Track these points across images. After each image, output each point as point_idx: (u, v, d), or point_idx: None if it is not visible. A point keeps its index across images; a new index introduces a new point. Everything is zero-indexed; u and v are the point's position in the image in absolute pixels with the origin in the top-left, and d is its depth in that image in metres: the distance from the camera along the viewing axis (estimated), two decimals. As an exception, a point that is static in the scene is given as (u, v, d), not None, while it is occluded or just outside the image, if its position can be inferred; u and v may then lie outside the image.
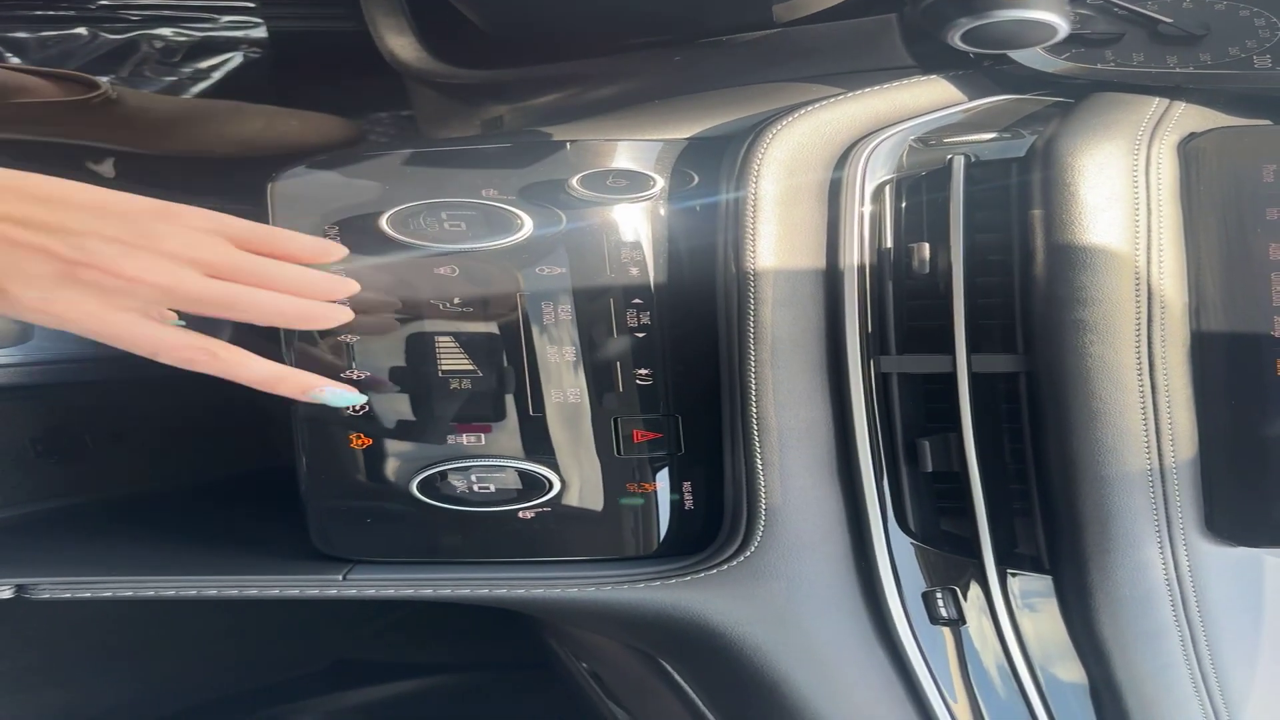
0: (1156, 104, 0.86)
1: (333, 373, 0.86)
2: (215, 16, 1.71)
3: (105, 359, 1.23)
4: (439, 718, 1.64)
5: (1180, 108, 0.85)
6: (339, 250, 0.80)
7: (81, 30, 1.70)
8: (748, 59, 1.04)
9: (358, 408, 0.87)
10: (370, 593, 0.90)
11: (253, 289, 0.73)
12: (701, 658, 0.92)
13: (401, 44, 1.21)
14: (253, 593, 0.89)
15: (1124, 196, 0.79)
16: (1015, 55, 0.91)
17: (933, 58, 0.96)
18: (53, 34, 1.68)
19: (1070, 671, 0.88)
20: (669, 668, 0.98)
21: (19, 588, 0.88)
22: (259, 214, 0.87)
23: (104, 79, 1.15)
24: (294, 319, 0.76)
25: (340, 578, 0.90)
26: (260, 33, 1.71)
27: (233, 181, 1.31)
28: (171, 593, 0.89)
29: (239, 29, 1.72)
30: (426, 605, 0.91)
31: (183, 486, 1.30)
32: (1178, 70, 0.89)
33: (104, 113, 1.15)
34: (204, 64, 1.72)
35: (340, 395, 0.81)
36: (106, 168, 1.27)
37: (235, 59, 1.72)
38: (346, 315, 0.78)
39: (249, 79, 1.70)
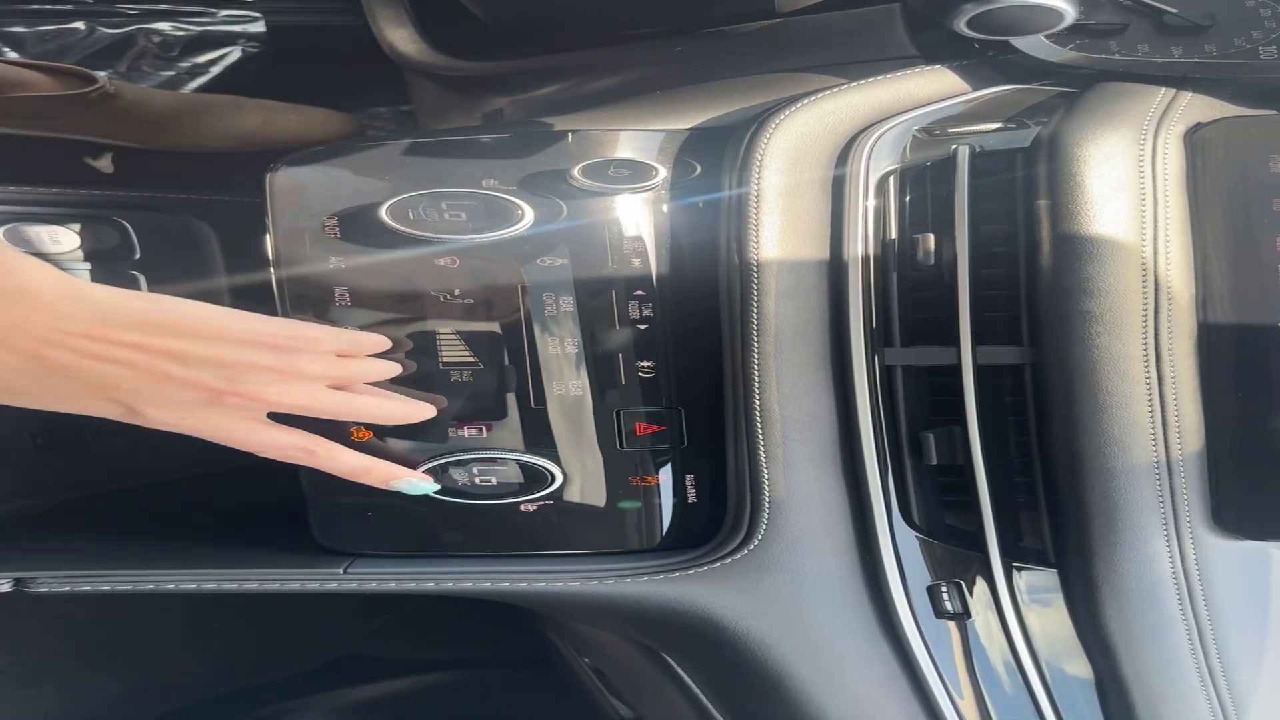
0: (1163, 94, 0.85)
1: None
2: (213, 11, 1.70)
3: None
4: (442, 714, 1.63)
5: (1186, 98, 0.85)
6: (384, 342, 0.85)
7: (79, 24, 1.69)
8: (749, 49, 1.03)
9: None
10: (371, 586, 0.89)
11: (363, 397, 0.82)
12: (705, 652, 0.92)
13: (401, 36, 1.20)
14: (253, 586, 0.88)
15: (1130, 187, 0.79)
16: (1019, 44, 0.90)
17: (936, 47, 0.95)
18: (50, 28, 1.67)
19: (1076, 665, 0.87)
20: (672, 662, 0.97)
21: (17, 581, 0.88)
22: (256, 206, 0.86)
23: (101, 73, 1.14)
24: (399, 417, 0.84)
25: (341, 571, 0.89)
26: (258, 27, 1.70)
27: (231, 176, 1.30)
28: (171, 586, 0.88)
29: (237, 23, 1.71)
30: (428, 601, 0.91)
31: (182, 480, 1.29)
32: (1183, 60, 0.88)
33: (102, 107, 1.14)
34: (202, 59, 1.70)
35: (416, 485, 0.86)
36: (105, 163, 1.26)
37: (233, 54, 1.70)
38: (431, 410, 0.86)
39: (247, 74, 1.69)
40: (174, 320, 0.70)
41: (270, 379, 0.74)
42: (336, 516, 0.92)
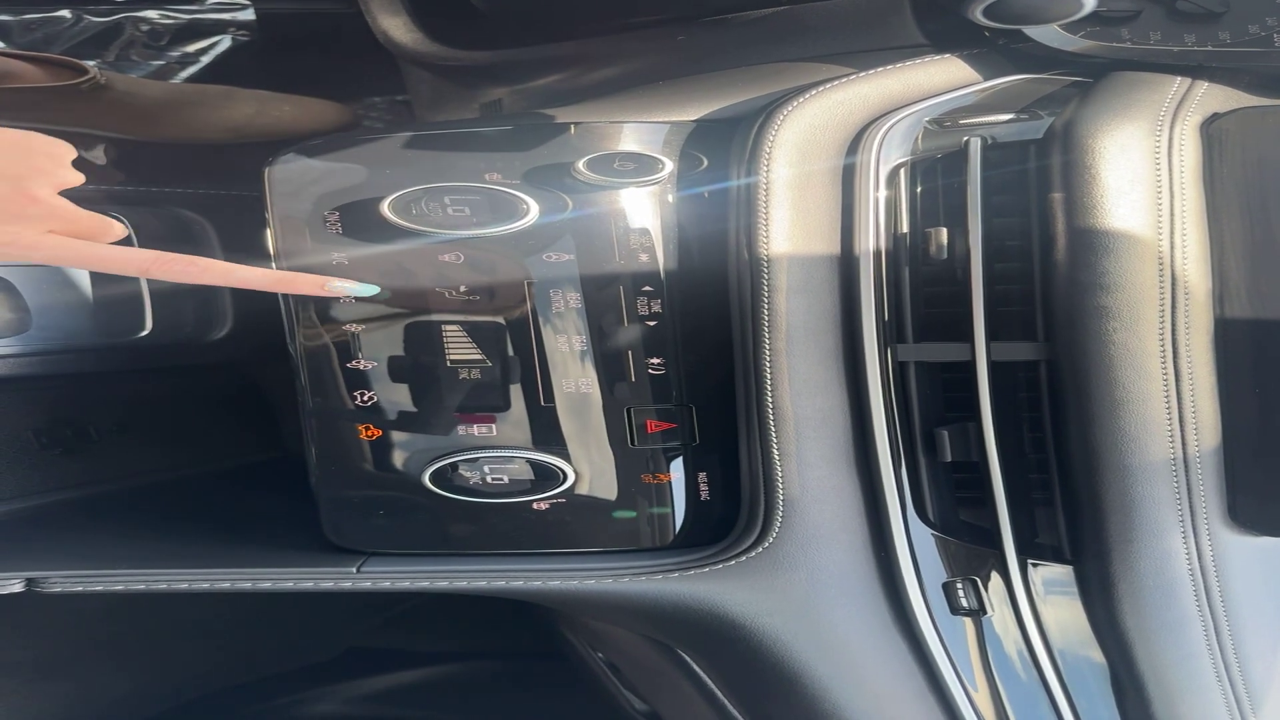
0: (1178, 84, 0.84)
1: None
2: (202, -1, 1.68)
3: (104, 349, 1.22)
4: (456, 705, 1.64)
5: (1202, 87, 0.84)
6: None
7: (65, 13, 1.66)
8: (753, 38, 1.02)
9: (365, 398, 0.86)
10: (385, 585, 0.89)
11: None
12: (721, 649, 0.91)
13: (395, 24, 1.18)
14: (266, 585, 0.88)
15: (1146, 179, 0.78)
16: (1031, 33, 0.89)
17: (945, 36, 0.94)
18: (36, 17, 1.65)
19: (1092, 661, 0.87)
20: (687, 658, 0.97)
21: (29, 581, 0.88)
22: (253, 200, 0.85)
23: (91, 63, 1.12)
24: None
25: (354, 570, 0.89)
26: (248, 15, 1.68)
27: (225, 168, 1.29)
28: (183, 586, 0.88)
29: (226, 11, 1.68)
30: (440, 595, 0.90)
31: (191, 478, 1.30)
32: (1197, 49, 0.87)
33: (93, 98, 1.12)
34: (191, 48, 1.68)
35: (355, 287, 0.81)
36: (97, 154, 1.24)
37: (223, 42, 1.68)
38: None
39: (237, 63, 1.67)
40: None
41: (50, 182, 0.69)
42: (347, 514, 0.91)
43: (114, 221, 0.73)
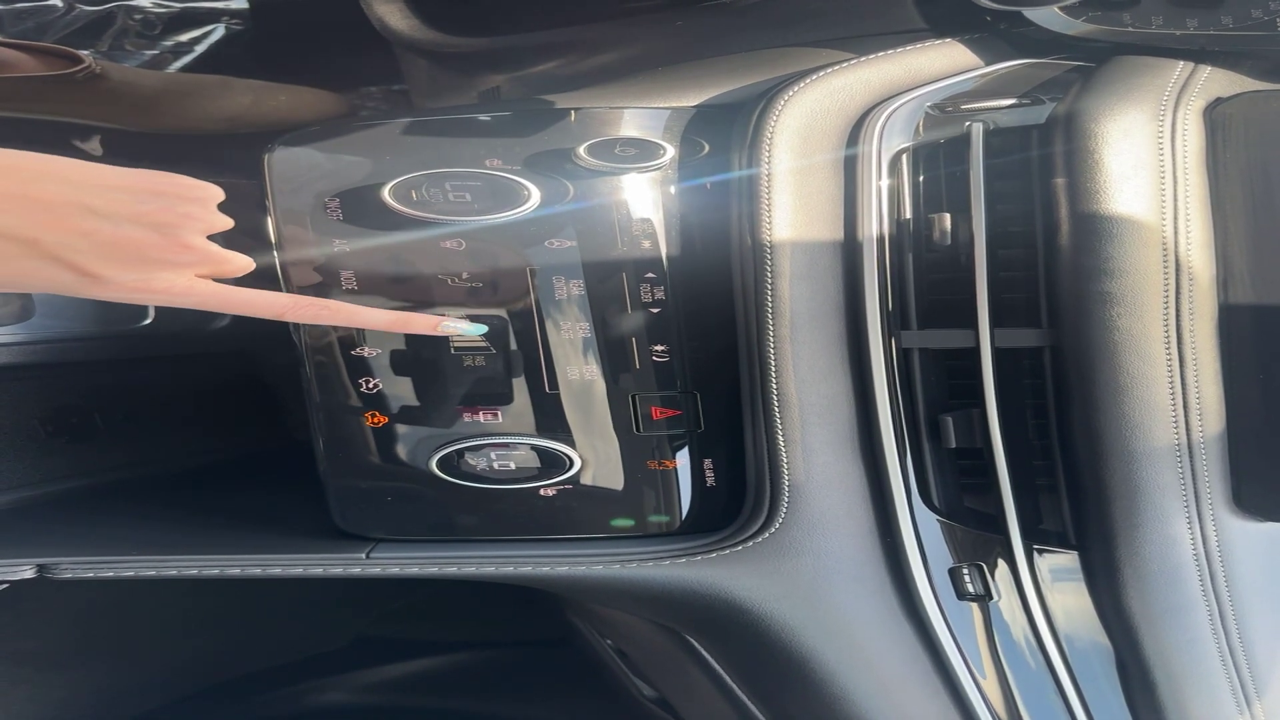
0: (1181, 68, 0.84)
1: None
2: (194, -14, 1.67)
3: (109, 337, 1.21)
4: (465, 693, 1.65)
5: (1205, 72, 0.83)
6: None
7: (57, 1, 1.65)
8: (753, 22, 1.01)
9: (371, 385, 0.87)
10: (394, 571, 0.89)
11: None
12: (728, 634, 0.91)
13: (391, 11, 1.17)
14: (275, 571, 0.88)
15: (1149, 164, 0.77)
16: (1032, 16, 0.88)
17: (946, 20, 0.93)
18: (27, 5, 1.64)
19: (1098, 646, 0.87)
20: (695, 643, 0.97)
21: (40, 568, 0.88)
22: (251, 189, 0.84)
23: (86, 53, 1.11)
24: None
25: (364, 556, 0.89)
26: (241, 3, 1.67)
27: (221, 158, 1.28)
28: (194, 572, 0.88)
29: (219, -1, 1.68)
30: (445, 584, 0.90)
31: (197, 466, 1.30)
32: (1200, 33, 0.87)
33: (88, 88, 1.11)
34: (185, 37, 1.67)
35: (465, 327, 0.82)
36: (93, 145, 1.24)
37: (217, 31, 1.67)
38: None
39: (231, 52, 1.67)
40: (44, 169, 0.64)
41: (200, 228, 0.69)
42: (355, 501, 0.91)
43: (248, 257, 0.74)
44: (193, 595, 1.48)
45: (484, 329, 0.84)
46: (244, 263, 0.73)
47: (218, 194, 0.72)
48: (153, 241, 0.66)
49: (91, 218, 0.64)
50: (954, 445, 0.83)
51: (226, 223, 0.72)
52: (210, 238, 0.70)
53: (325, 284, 0.84)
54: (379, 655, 1.68)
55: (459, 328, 0.81)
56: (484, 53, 1.14)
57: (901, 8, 0.96)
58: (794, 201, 0.82)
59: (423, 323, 0.80)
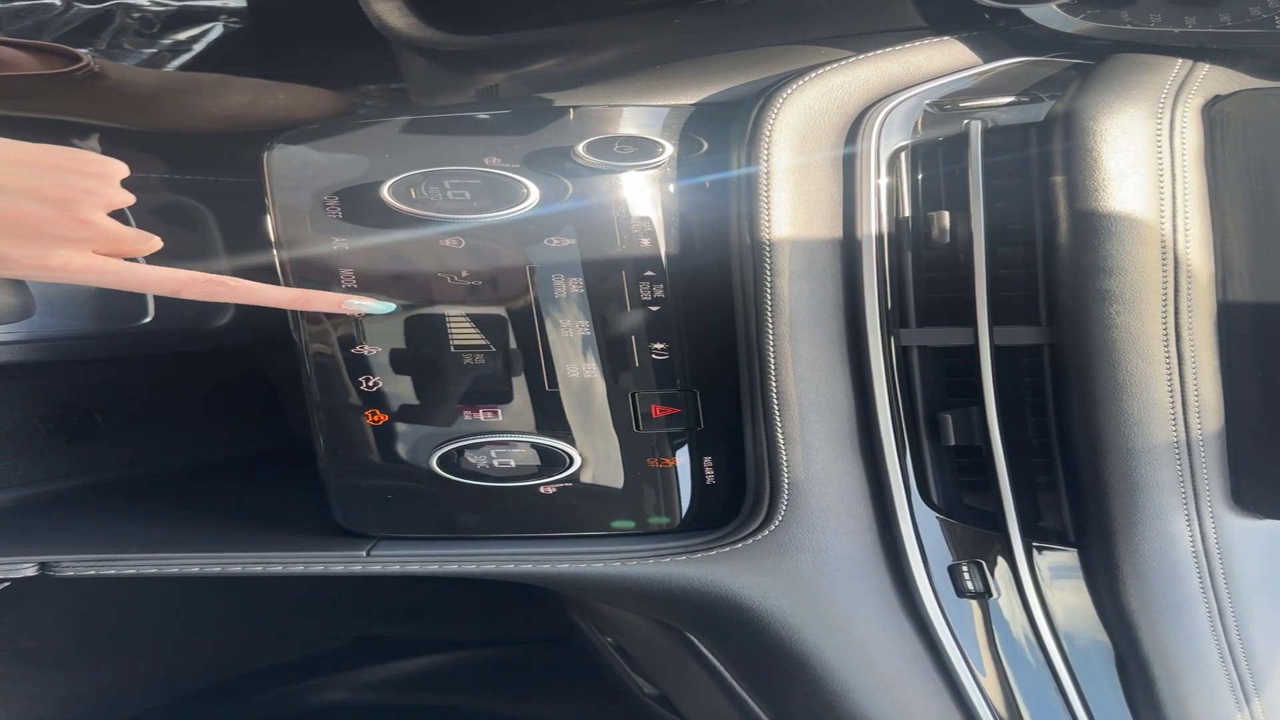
0: (1179, 66, 0.84)
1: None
2: (192, -15, 1.67)
3: (109, 335, 1.21)
4: (466, 691, 1.66)
5: (1204, 69, 0.83)
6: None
7: (55, 0, 1.65)
8: (751, 20, 1.02)
9: (371, 383, 0.87)
10: (395, 569, 0.89)
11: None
12: (729, 631, 0.92)
13: (389, 9, 1.17)
14: (276, 569, 0.88)
15: (1148, 162, 0.77)
16: (1031, 14, 0.89)
17: (943, 18, 0.94)
18: (25, 4, 1.64)
19: (1097, 643, 0.87)
20: (696, 641, 0.97)
21: (42, 565, 0.88)
22: (250, 188, 0.84)
23: (84, 51, 1.11)
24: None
25: (364, 554, 0.89)
26: (239, 1, 1.67)
27: (223, 157, 1.28)
28: (195, 569, 0.88)
29: (217, -3, 1.68)
30: (446, 582, 0.91)
31: (198, 464, 1.30)
32: (1198, 30, 0.87)
33: (87, 87, 1.11)
34: (183, 35, 1.67)
35: (371, 305, 0.81)
36: (92, 143, 1.23)
37: (215, 29, 1.68)
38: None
39: (230, 51, 1.67)
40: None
41: (98, 204, 0.68)
42: (356, 499, 0.91)
43: (153, 235, 0.73)
44: (194, 594, 1.48)
45: (393, 306, 0.83)
46: (145, 242, 0.72)
47: (121, 169, 0.71)
48: (47, 217, 0.66)
49: None
50: (953, 443, 0.83)
51: (127, 199, 0.71)
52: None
53: (325, 282, 0.84)
54: (380, 654, 1.69)
55: (364, 305, 0.80)
56: (482, 51, 1.15)
57: (900, 5, 0.96)
58: (793, 199, 0.82)
59: (325, 300, 0.80)
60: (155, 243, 0.73)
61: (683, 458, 0.90)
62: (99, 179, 0.69)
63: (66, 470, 1.21)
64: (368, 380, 0.87)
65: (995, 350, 0.82)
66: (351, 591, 1.70)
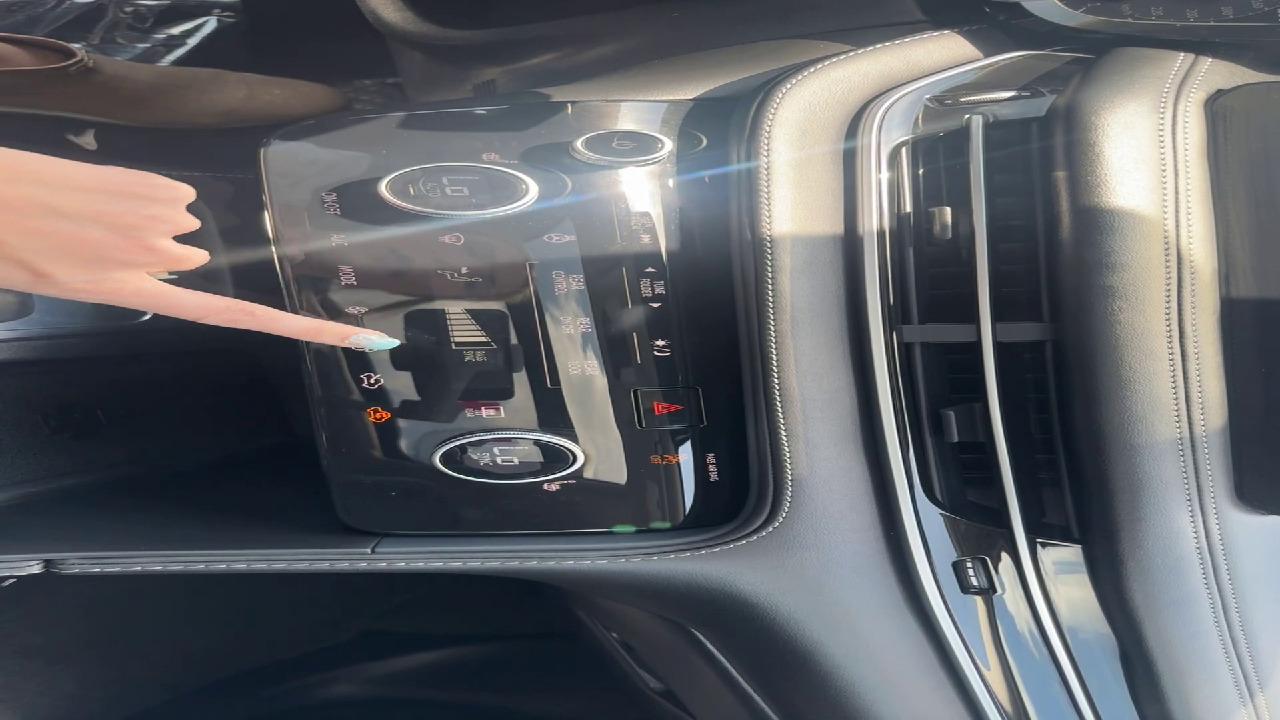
0: (1181, 60, 0.83)
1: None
2: (185, -22, 1.65)
3: (110, 333, 1.21)
4: (471, 685, 1.66)
5: (1206, 63, 0.83)
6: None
7: (46, -7, 1.64)
8: (750, 14, 1.01)
9: (372, 381, 0.86)
10: (400, 565, 0.89)
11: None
12: (734, 627, 0.91)
13: (384, 3, 1.17)
14: (282, 566, 0.88)
15: (1150, 157, 0.77)
16: (1032, 8, 0.88)
17: (944, 12, 0.93)
18: (16, -2, 1.62)
19: (1101, 638, 0.87)
20: (701, 637, 0.97)
21: (47, 563, 0.88)
22: (246, 184, 0.84)
23: (78, 46, 1.10)
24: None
25: (369, 551, 0.89)
26: (234, -5, 1.66)
27: (216, 152, 1.27)
28: (200, 567, 0.88)
29: (211, -9, 1.66)
30: (450, 578, 0.91)
31: (202, 462, 1.30)
32: (1200, 24, 0.86)
33: (82, 82, 1.10)
34: (177, 29, 1.66)
35: (375, 341, 0.80)
36: (87, 139, 1.23)
37: (209, 24, 1.66)
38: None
39: (224, 46, 1.65)
40: (17, 170, 0.63)
41: (165, 230, 0.68)
42: (360, 497, 0.91)
43: (202, 251, 0.72)
44: (199, 590, 1.49)
45: (395, 343, 0.82)
46: (199, 257, 0.72)
47: (188, 194, 0.71)
48: (113, 243, 0.65)
49: (55, 219, 0.63)
50: (956, 439, 0.83)
51: (193, 223, 0.71)
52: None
53: (324, 279, 0.83)
54: (385, 649, 1.69)
55: (369, 341, 0.80)
56: (479, 45, 1.14)
57: (900, -1, 0.95)
58: (793, 195, 0.82)
59: (334, 333, 0.80)
60: (201, 257, 0.73)
61: (685, 455, 0.89)
62: (168, 204, 0.68)
63: (70, 468, 1.20)
64: (369, 377, 0.86)
65: (998, 347, 0.82)
66: (356, 587, 1.71)
